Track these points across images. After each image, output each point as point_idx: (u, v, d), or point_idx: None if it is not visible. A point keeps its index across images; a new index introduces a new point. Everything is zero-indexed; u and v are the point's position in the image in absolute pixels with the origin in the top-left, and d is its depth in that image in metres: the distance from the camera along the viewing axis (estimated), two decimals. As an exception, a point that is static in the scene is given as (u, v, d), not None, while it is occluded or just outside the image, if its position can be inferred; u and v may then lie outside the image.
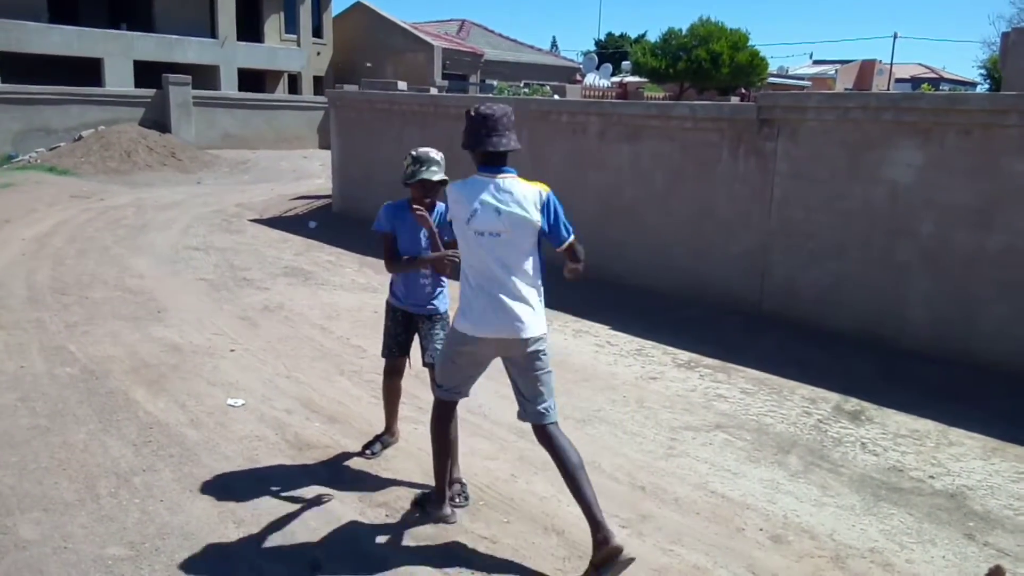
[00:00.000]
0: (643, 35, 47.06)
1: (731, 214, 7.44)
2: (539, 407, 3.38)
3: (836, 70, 40.72)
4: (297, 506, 3.65)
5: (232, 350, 5.78)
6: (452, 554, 3.31)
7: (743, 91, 24.28)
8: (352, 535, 3.42)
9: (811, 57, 47.34)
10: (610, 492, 3.89)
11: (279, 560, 3.22)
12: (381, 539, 3.40)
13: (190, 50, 23.15)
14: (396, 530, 3.48)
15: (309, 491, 3.79)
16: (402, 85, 13.16)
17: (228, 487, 3.80)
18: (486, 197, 3.20)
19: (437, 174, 4.02)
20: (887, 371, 5.87)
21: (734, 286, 7.41)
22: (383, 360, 4.19)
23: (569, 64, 34.32)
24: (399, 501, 3.72)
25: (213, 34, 24.01)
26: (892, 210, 6.37)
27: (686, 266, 7.77)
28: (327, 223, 11.78)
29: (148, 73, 21.18)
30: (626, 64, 31.74)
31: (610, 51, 47.31)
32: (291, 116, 22.97)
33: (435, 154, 4.09)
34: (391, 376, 4.23)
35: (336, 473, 4.00)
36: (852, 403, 5.26)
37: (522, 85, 20.85)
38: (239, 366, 5.49)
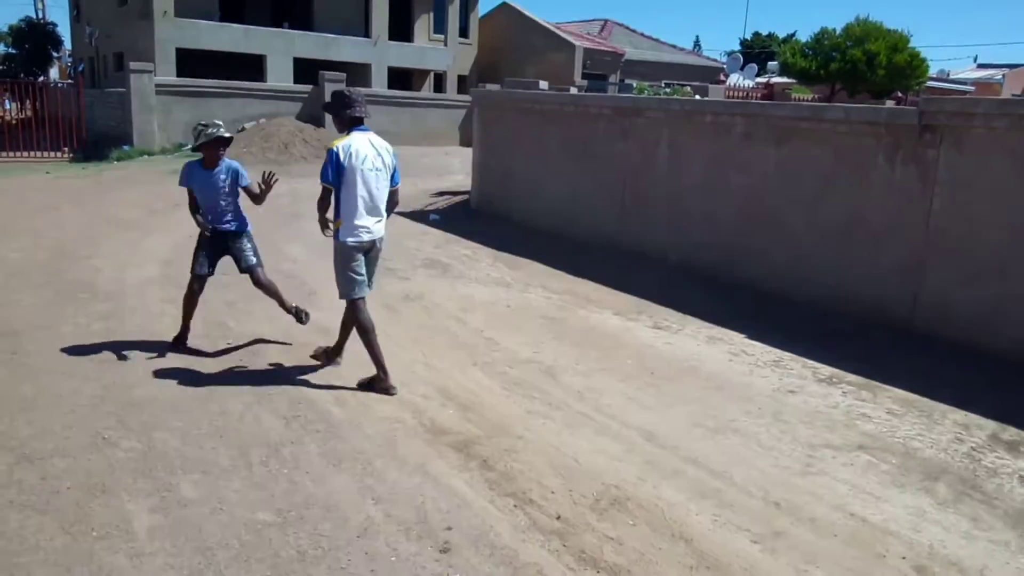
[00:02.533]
0: (792, 35, 45.26)
1: (884, 224, 7.05)
2: (373, 282, 5.15)
3: (1003, 75, 37.44)
4: (430, 488, 3.78)
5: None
6: (578, 551, 3.33)
7: (899, 95, 22.85)
8: (481, 522, 3.52)
9: (975, 60, 43.85)
10: (742, 505, 3.80)
11: (412, 539, 3.36)
12: (509, 530, 3.48)
13: (345, 49, 24.31)
14: (524, 522, 3.55)
15: (442, 475, 3.93)
16: (543, 84, 13.29)
17: (368, 464, 4.00)
18: (369, 147, 4.84)
19: (227, 132, 5.45)
20: (1056, 402, 5.40)
21: (882, 300, 7.01)
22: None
23: (712, 64, 33.46)
24: (527, 493, 3.79)
25: (367, 33, 25.11)
26: (1071, 227, 5.84)
27: (830, 276, 7.43)
28: (465, 218, 12.09)
29: (306, 70, 22.42)
30: (772, 64, 30.62)
31: (756, 51, 45.81)
32: (435, 114, 23.65)
33: (218, 120, 5.58)
34: (193, 293, 5.57)
35: (467, 460, 4.12)
36: (1010, 432, 4.87)
37: (663, 85, 20.54)
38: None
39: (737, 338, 6.59)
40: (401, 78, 26.54)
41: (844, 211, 7.36)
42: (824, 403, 5.25)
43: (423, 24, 27.33)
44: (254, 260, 5.64)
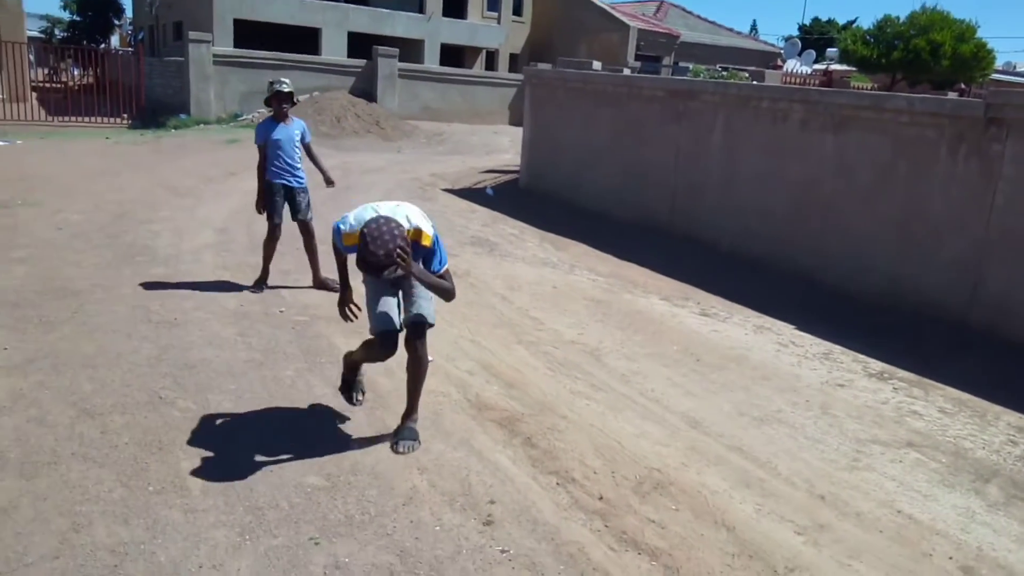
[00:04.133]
0: (853, 21, 44.06)
1: (943, 218, 6.87)
2: None
3: (1073, 70, 35.88)
4: (474, 462, 3.83)
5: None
6: (620, 532, 3.35)
7: (962, 87, 22.08)
8: (524, 498, 3.55)
9: (1046, 53, 42.01)
10: (786, 496, 3.78)
11: (456, 510, 3.41)
12: (552, 507, 3.51)
13: (399, 24, 24.38)
14: (566, 500, 3.58)
15: (486, 450, 3.98)
16: (596, 65, 13.18)
17: (413, 436, 4.06)
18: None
19: (287, 87, 5.99)
20: (1117, 408, 5.23)
21: (939, 295, 6.85)
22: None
23: (768, 49, 32.77)
24: (570, 472, 3.81)
25: (421, 9, 25.13)
26: None
27: (886, 268, 7.27)
28: (513, 197, 12.09)
29: (359, 44, 22.54)
30: (831, 51, 29.83)
31: (814, 37, 44.69)
32: (485, 92, 23.62)
33: (284, 78, 6.19)
34: (274, 239, 6.21)
35: (511, 436, 4.16)
36: (1070, 438, 4.74)
37: (718, 68, 20.19)
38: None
39: (786, 329, 6.51)
40: (453, 55, 26.55)
41: (902, 203, 7.19)
42: (874, 398, 5.16)
43: (477, 1, 27.25)
44: (310, 214, 6.36)
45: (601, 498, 3.61)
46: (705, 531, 3.42)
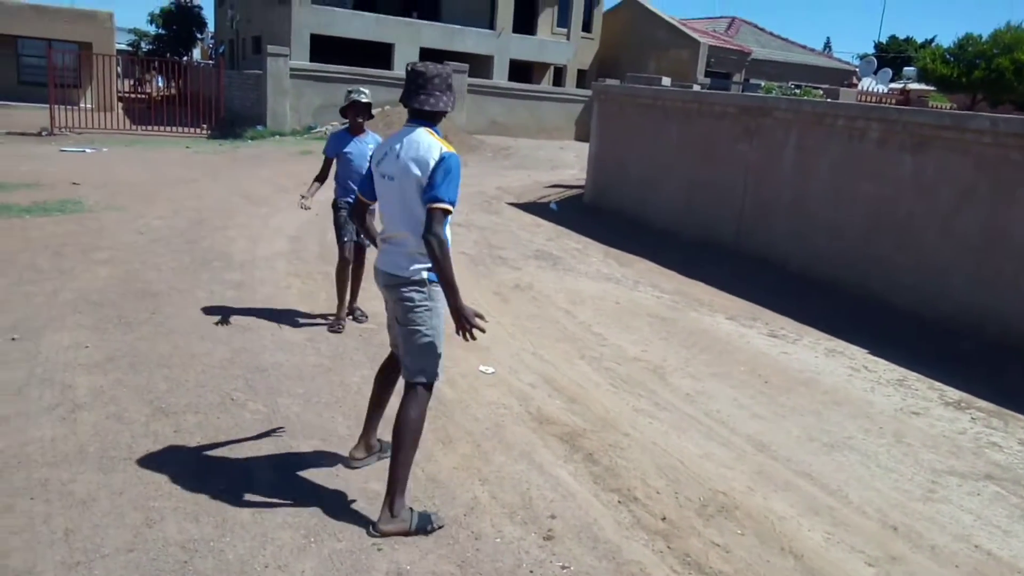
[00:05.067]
0: (932, 39, 42.76)
1: (1030, 243, 6.57)
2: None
3: None
4: (535, 475, 3.82)
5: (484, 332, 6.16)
6: (683, 554, 3.29)
7: (1048, 108, 21.18)
8: (585, 514, 3.52)
9: None
10: (856, 525, 3.65)
11: (517, 523, 3.40)
12: (613, 525, 3.47)
13: (469, 40, 24.72)
14: (628, 519, 3.53)
15: (547, 464, 3.96)
16: (665, 81, 13.09)
17: (477, 446, 4.08)
18: (396, 145, 3.27)
19: (365, 97, 5.46)
20: None
21: (1022, 322, 6.54)
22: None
23: (843, 67, 32.04)
24: (632, 491, 3.77)
25: (491, 25, 25.42)
26: None
27: (964, 294, 6.99)
28: (577, 212, 12.08)
29: (430, 59, 22.89)
30: (909, 70, 28.99)
31: (890, 55, 43.50)
32: (552, 107, 23.71)
33: (363, 88, 5.60)
34: (346, 264, 5.65)
35: (572, 451, 4.13)
36: None
37: (791, 86, 19.83)
38: (490, 337, 5.78)
39: (858, 353, 6.31)
40: (521, 70, 26.75)
41: (984, 226, 6.91)
42: (951, 428, 4.96)
43: (547, 17, 27.42)
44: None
45: (664, 519, 3.55)
46: (771, 557, 3.33)
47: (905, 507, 3.89)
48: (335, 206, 5.74)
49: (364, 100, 5.47)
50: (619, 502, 3.67)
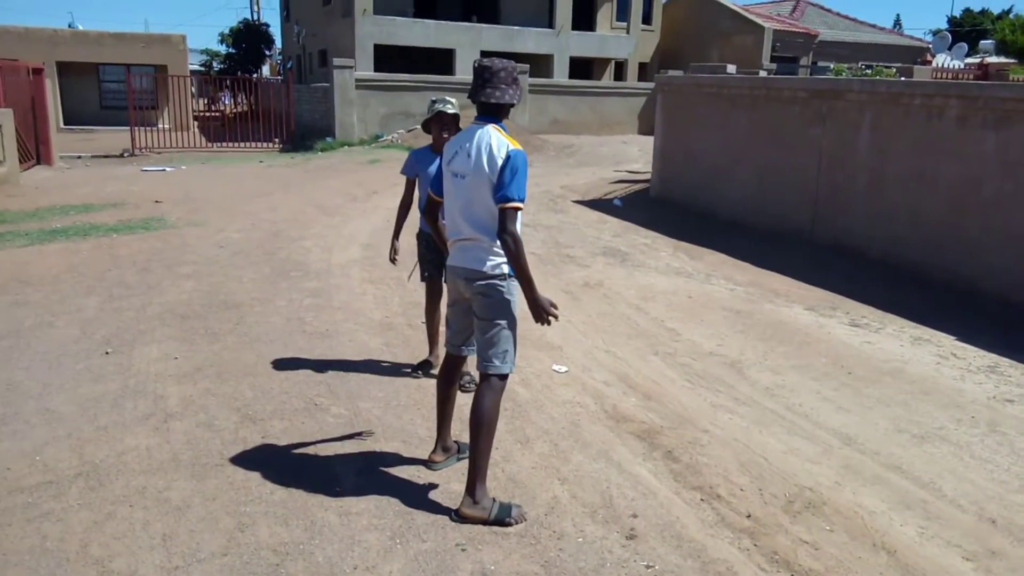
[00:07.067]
0: (1009, 10, 40.75)
1: None
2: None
3: None
4: (614, 474, 3.81)
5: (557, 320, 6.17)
6: (771, 552, 3.23)
7: None
8: (667, 513, 3.49)
9: None
10: (952, 519, 3.52)
11: (598, 522, 3.40)
12: (697, 523, 3.43)
13: (529, 40, 24.77)
14: (712, 517, 3.48)
15: (626, 462, 3.94)
16: (731, 68, 12.84)
17: (554, 445, 4.08)
18: (466, 143, 3.34)
19: (451, 107, 4.50)
20: None
21: None
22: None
23: (914, 44, 30.81)
24: (715, 488, 3.71)
25: (550, 24, 25.42)
26: None
27: (1061, 277, 6.65)
28: (644, 206, 11.96)
29: (491, 61, 23.05)
30: (986, 43, 27.69)
31: (965, 29, 41.63)
32: (614, 102, 23.55)
33: (450, 96, 4.62)
34: (433, 299, 4.88)
35: (651, 449, 4.10)
36: None
37: (861, 66, 19.18)
38: (562, 336, 5.84)
39: (946, 340, 6.07)
40: (582, 67, 26.66)
41: (1080, 203, 6.56)
42: (1051, 416, 4.73)
43: (606, 12, 27.26)
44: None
45: (749, 516, 3.49)
46: (863, 554, 3.24)
47: (1003, 499, 3.73)
48: (420, 237, 4.87)
49: (451, 111, 4.49)
50: (702, 500, 3.62)
